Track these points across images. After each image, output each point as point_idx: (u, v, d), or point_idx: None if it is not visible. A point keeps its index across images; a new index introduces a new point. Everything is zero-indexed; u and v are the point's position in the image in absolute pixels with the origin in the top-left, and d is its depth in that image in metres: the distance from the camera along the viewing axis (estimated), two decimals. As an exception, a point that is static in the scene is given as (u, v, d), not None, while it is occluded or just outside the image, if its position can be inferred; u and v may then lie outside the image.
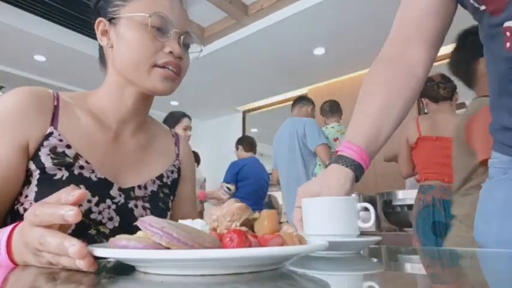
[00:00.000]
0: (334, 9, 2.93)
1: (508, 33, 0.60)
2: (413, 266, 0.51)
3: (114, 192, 0.68)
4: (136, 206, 0.71)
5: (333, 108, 3.02)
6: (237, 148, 3.67)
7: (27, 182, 0.64)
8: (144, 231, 0.36)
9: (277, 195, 4.18)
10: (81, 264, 0.37)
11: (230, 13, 3.22)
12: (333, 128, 2.86)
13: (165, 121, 2.78)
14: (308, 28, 3.21)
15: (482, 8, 0.62)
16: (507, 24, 0.60)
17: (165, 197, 0.78)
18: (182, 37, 0.70)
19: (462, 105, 2.72)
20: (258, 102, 5.11)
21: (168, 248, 0.34)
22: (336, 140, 2.77)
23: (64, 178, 0.63)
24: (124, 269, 0.39)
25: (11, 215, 0.64)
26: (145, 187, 0.74)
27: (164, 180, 0.79)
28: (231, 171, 3.42)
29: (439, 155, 2.04)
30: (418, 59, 0.74)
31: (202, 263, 0.34)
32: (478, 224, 0.76)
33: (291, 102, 3.21)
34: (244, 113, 5.41)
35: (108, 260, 0.49)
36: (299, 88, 4.54)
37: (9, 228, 0.45)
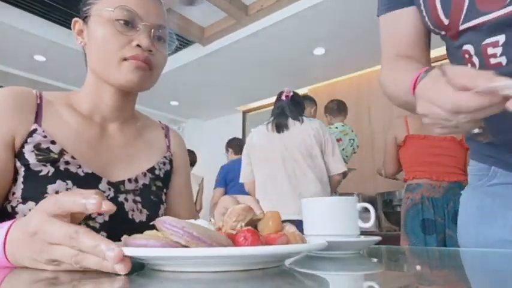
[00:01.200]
0: (334, 9, 2.93)
1: (466, 56, 0.64)
2: (414, 266, 0.51)
3: (103, 186, 0.68)
4: (126, 199, 0.70)
5: (340, 108, 2.98)
6: (227, 151, 3.80)
7: (14, 180, 0.63)
8: (164, 230, 0.37)
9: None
10: (120, 268, 0.36)
11: (230, 13, 3.22)
12: (336, 128, 2.83)
13: None
14: (308, 28, 3.21)
15: (443, 33, 0.66)
16: (465, 47, 0.64)
17: (158, 190, 0.77)
18: (153, 30, 0.69)
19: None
20: (258, 102, 5.11)
21: (186, 247, 0.36)
22: (339, 140, 2.74)
23: (50, 174, 0.63)
24: (134, 267, 0.40)
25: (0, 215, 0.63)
26: (136, 180, 0.73)
27: (156, 172, 0.78)
28: (220, 174, 3.57)
29: (427, 153, 2.05)
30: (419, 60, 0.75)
31: (221, 261, 0.37)
32: (459, 229, 0.80)
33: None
34: (244, 113, 5.41)
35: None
36: (299, 88, 4.54)
37: (7, 223, 0.44)
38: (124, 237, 0.41)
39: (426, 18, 0.68)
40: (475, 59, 0.62)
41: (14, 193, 0.63)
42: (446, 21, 0.63)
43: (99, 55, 0.67)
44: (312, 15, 3.03)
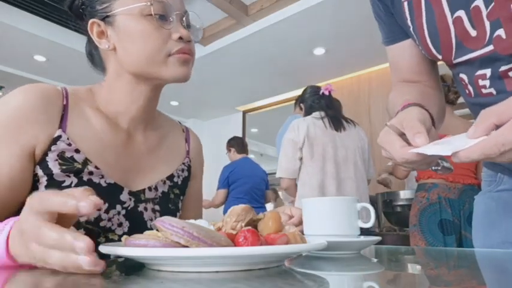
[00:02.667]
0: (334, 9, 2.93)
1: (463, 82, 0.67)
2: (414, 266, 0.51)
3: (124, 196, 0.66)
4: (146, 209, 0.68)
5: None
6: (229, 150, 3.65)
7: (34, 187, 0.60)
8: (164, 230, 0.37)
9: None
10: (86, 261, 0.34)
11: (230, 13, 3.22)
12: None
13: None
14: (308, 28, 3.21)
15: (440, 57, 0.69)
16: (461, 75, 0.67)
17: (176, 198, 0.76)
18: (184, 18, 0.67)
19: (462, 106, 2.72)
20: (258, 102, 5.11)
21: (186, 247, 0.36)
22: None
23: (73, 185, 0.60)
24: (133, 268, 0.40)
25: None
26: (155, 188, 0.71)
27: (175, 180, 0.76)
28: (223, 176, 3.47)
29: None
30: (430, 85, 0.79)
31: (221, 261, 0.37)
32: (472, 232, 0.84)
33: (291, 102, 3.20)
34: (244, 113, 5.41)
35: (117, 259, 0.49)
36: (299, 88, 4.53)
37: (12, 220, 0.43)
38: (124, 237, 0.41)
39: (422, 51, 0.72)
40: (470, 88, 0.66)
41: None
42: (439, 56, 0.67)
43: (140, 54, 0.63)
44: (312, 15, 3.03)
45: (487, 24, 0.56)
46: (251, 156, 4.11)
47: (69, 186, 0.60)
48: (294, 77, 4.19)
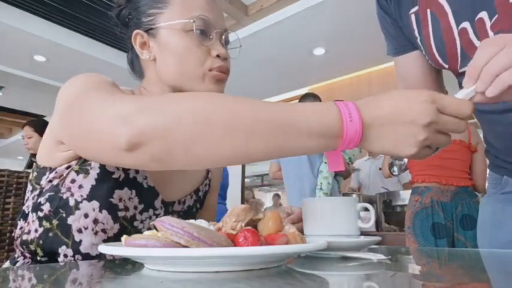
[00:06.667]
0: (334, 9, 2.93)
1: None
2: (413, 266, 0.51)
3: (157, 203, 0.67)
4: None
5: None
6: None
7: (84, 171, 0.60)
8: (164, 230, 0.37)
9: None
10: None
11: (230, 13, 3.22)
12: None
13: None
14: (308, 28, 3.21)
15: (446, 66, 0.71)
16: None
17: (196, 211, 0.77)
18: (223, 36, 0.69)
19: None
20: (258, 102, 5.11)
21: (186, 247, 0.36)
22: None
23: (121, 179, 0.61)
24: (133, 268, 0.40)
25: (56, 205, 0.59)
26: (184, 202, 0.73)
27: (199, 194, 0.77)
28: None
29: (437, 157, 2.05)
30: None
31: (221, 261, 0.37)
32: (477, 232, 0.86)
33: (291, 102, 3.19)
34: (244, 113, 5.41)
35: (116, 258, 0.49)
36: (299, 88, 4.54)
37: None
38: (124, 237, 0.41)
39: (429, 61, 0.74)
40: None
41: (81, 186, 0.60)
42: (446, 66, 0.70)
43: (180, 69, 0.64)
44: (312, 15, 3.03)
45: (491, 35, 0.59)
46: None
47: (117, 179, 0.61)
48: (293, 77, 4.19)
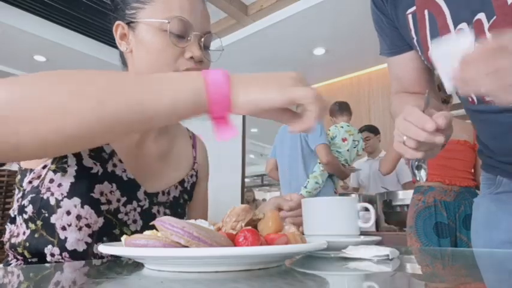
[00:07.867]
0: (334, 9, 2.93)
1: None
2: (414, 266, 0.51)
3: (140, 195, 0.68)
4: (159, 211, 0.70)
5: (341, 108, 2.95)
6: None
7: (61, 169, 0.61)
8: (164, 230, 0.37)
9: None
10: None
11: (230, 13, 3.22)
12: (342, 127, 2.79)
13: None
14: (308, 28, 3.21)
15: None
16: None
17: (184, 203, 0.78)
18: (203, 39, 0.68)
19: (459, 106, 2.71)
20: (258, 102, 5.11)
21: (186, 247, 0.36)
22: (344, 140, 2.72)
23: (99, 174, 0.62)
24: (133, 268, 0.40)
25: (38, 206, 0.60)
26: (168, 193, 0.73)
27: (185, 185, 0.78)
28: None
29: (440, 156, 2.04)
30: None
31: (221, 261, 0.37)
32: (471, 233, 0.86)
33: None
34: (244, 113, 5.40)
35: (117, 259, 0.49)
36: (299, 88, 4.54)
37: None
38: (124, 237, 0.41)
39: (425, 62, 0.74)
40: (473, 95, 0.69)
41: (60, 184, 0.60)
42: None
43: (150, 64, 0.65)
44: (312, 15, 3.03)
45: (489, 36, 0.59)
46: (251, 156, 4.11)
47: (96, 174, 0.62)
48: (294, 77, 4.19)
